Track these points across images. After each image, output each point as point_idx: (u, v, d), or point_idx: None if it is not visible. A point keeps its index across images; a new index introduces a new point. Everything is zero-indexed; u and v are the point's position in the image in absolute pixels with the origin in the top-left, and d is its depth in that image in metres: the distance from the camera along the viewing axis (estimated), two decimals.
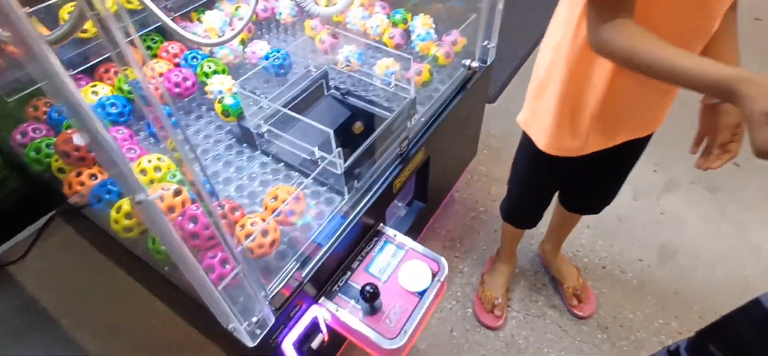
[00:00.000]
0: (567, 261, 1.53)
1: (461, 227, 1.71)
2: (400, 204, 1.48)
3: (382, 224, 1.10)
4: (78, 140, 0.90)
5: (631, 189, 1.79)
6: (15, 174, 1.47)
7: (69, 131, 0.92)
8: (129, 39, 0.49)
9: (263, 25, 1.46)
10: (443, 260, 1.01)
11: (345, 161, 0.96)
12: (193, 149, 0.56)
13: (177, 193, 0.80)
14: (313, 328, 0.95)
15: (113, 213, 0.85)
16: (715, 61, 0.61)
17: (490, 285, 1.47)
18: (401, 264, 1.01)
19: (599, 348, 1.38)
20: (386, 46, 1.33)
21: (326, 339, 1.00)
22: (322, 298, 0.96)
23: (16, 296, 1.47)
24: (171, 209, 0.80)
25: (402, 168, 1.10)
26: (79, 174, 0.91)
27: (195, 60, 1.20)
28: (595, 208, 1.30)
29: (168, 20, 0.64)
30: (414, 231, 1.43)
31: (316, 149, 0.97)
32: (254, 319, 0.77)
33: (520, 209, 1.32)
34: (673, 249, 1.62)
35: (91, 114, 0.43)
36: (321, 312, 0.96)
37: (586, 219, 1.71)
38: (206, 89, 1.15)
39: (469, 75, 1.33)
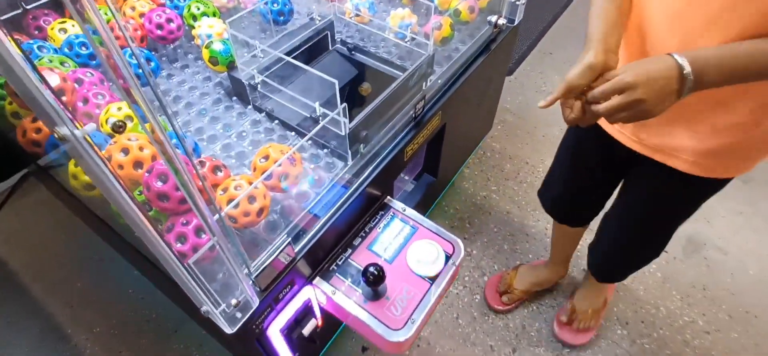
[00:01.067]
0: (597, 286, 1.26)
1: (471, 206, 1.58)
2: (407, 178, 1.34)
3: (389, 197, 0.96)
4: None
5: None
6: None
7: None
8: None
9: None
10: (459, 241, 0.88)
11: (351, 120, 0.82)
12: (161, 100, 0.42)
13: (144, 145, 0.65)
14: (306, 312, 0.82)
15: (71, 167, 0.71)
16: None
17: (520, 273, 1.33)
18: (410, 244, 0.87)
19: (618, 344, 1.26)
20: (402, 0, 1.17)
21: (320, 324, 0.87)
22: (318, 278, 0.83)
23: None
24: (138, 164, 0.66)
25: (415, 134, 0.96)
26: (35, 120, 0.77)
27: (181, 1, 1.05)
28: (616, 265, 1.11)
29: None
30: (421, 208, 1.30)
31: (317, 105, 0.82)
32: (234, 301, 0.64)
33: (552, 186, 1.12)
34: (700, 242, 1.49)
35: None
36: (315, 293, 0.83)
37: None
38: (193, 33, 1.00)
39: (494, 34, 1.17)
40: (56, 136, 0.34)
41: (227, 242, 0.57)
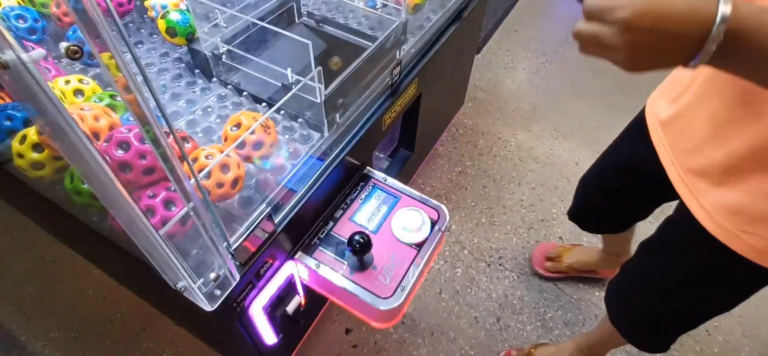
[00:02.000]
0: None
1: (447, 182, 1.57)
2: (381, 155, 1.31)
3: (369, 168, 0.92)
4: None
5: None
6: None
7: None
8: None
9: None
10: (444, 207, 0.86)
11: (326, 87, 0.78)
12: (137, 58, 0.37)
13: (99, 115, 0.59)
14: (289, 289, 0.77)
15: (15, 145, 0.63)
16: None
17: (575, 249, 1.30)
18: (394, 212, 0.84)
19: (597, 305, 1.29)
20: None
21: (303, 302, 0.83)
22: (299, 253, 0.78)
23: None
24: (94, 134, 0.59)
25: (392, 102, 0.93)
26: None
27: None
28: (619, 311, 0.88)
29: None
30: None
31: (289, 71, 0.77)
32: (212, 276, 0.59)
33: (580, 184, 1.03)
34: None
35: None
36: (297, 268, 0.79)
37: (579, 173, 1.61)
38: (146, 4, 0.92)
39: (465, 2, 1.16)
40: None
41: (204, 208, 0.52)
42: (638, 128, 0.79)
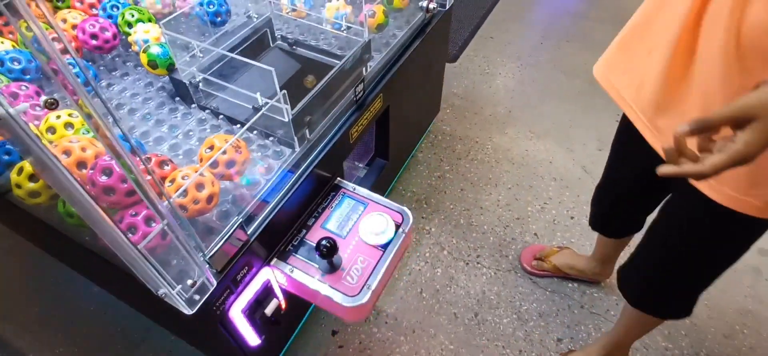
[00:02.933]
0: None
1: (427, 187, 1.64)
2: (360, 164, 1.39)
3: (339, 178, 1.00)
4: None
5: (597, 138, 1.78)
6: None
7: None
8: None
9: None
10: (407, 210, 0.94)
11: (293, 107, 0.86)
12: (99, 93, 0.45)
13: (86, 146, 0.67)
14: (266, 293, 0.85)
15: (14, 176, 0.71)
16: None
17: (562, 252, 1.37)
18: (362, 218, 0.92)
19: (570, 296, 1.35)
20: None
21: (283, 305, 0.91)
22: (275, 260, 0.86)
23: None
24: (81, 164, 0.67)
25: (359, 116, 1.01)
26: None
27: (115, 9, 1.05)
28: (638, 283, 0.93)
29: None
30: (377, 192, 1.35)
31: (258, 95, 0.86)
32: (190, 282, 0.67)
33: (595, 192, 1.08)
34: None
35: None
36: (274, 274, 0.86)
37: (553, 172, 1.68)
38: (129, 39, 1.01)
39: (428, 19, 1.24)
40: None
41: (177, 224, 0.59)
42: (625, 130, 0.85)
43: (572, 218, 1.55)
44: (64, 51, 0.72)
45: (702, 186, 0.65)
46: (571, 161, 1.72)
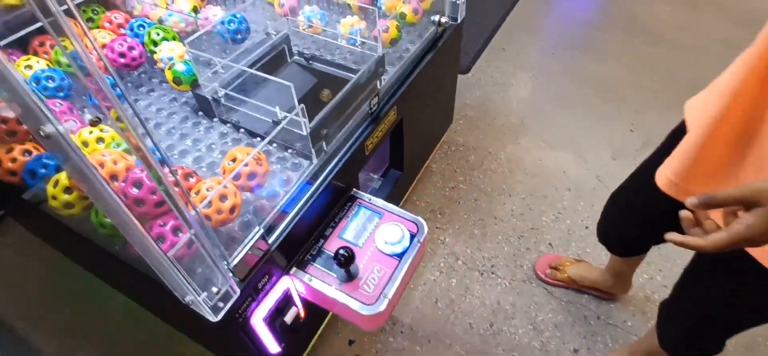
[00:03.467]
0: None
1: (441, 198, 1.66)
2: (375, 176, 1.42)
3: (355, 189, 1.03)
4: (5, 111, 0.80)
5: (610, 148, 1.78)
6: None
7: None
8: (63, 8, 0.41)
9: None
10: (422, 220, 0.95)
11: (310, 120, 0.89)
12: (135, 109, 0.48)
13: (117, 159, 0.71)
14: (286, 301, 0.87)
15: (50, 188, 0.75)
16: None
17: (577, 263, 1.37)
18: (377, 228, 0.94)
19: (586, 306, 1.35)
20: (350, 8, 1.25)
21: (302, 313, 0.93)
22: (294, 268, 0.89)
23: None
24: (114, 176, 0.71)
25: (374, 129, 1.04)
26: (9, 150, 0.81)
27: (142, 29, 1.11)
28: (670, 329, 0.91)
29: None
30: (392, 202, 1.37)
31: (277, 109, 0.89)
32: (215, 290, 0.69)
33: (609, 201, 1.05)
34: None
35: None
36: (293, 283, 0.89)
37: (567, 182, 1.69)
38: (155, 57, 1.05)
39: (440, 33, 1.27)
40: (42, 134, 0.40)
41: (203, 233, 0.62)
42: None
43: (587, 227, 1.54)
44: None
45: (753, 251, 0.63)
46: (585, 170, 1.72)
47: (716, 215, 0.54)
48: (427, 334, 1.30)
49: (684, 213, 0.54)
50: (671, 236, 0.54)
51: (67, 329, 1.27)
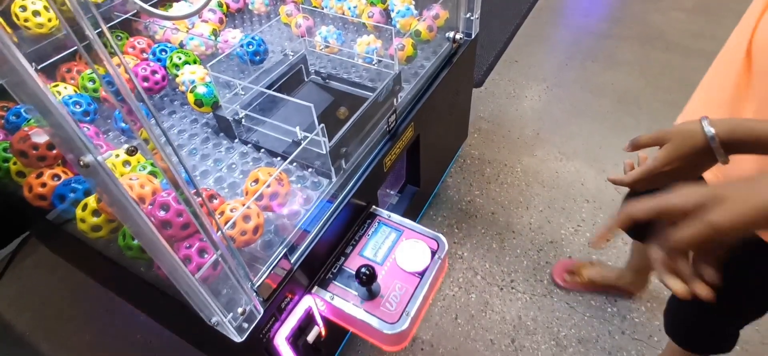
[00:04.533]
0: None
1: (458, 212, 1.65)
2: (392, 192, 1.42)
3: (374, 206, 1.03)
4: (37, 137, 0.82)
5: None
6: None
7: (26, 129, 0.85)
8: (98, 31, 0.42)
9: (236, 16, 1.39)
10: (442, 237, 0.95)
11: (330, 139, 0.90)
12: (166, 134, 0.49)
13: (144, 183, 0.72)
14: (308, 321, 0.87)
15: (79, 212, 0.77)
16: None
17: (594, 265, 1.36)
18: (398, 245, 0.94)
19: (610, 321, 1.32)
20: (366, 27, 1.27)
21: (323, 332, 0.92)
22: (316, 287, 0.89)
23: None
24: (141, 199, 0.72)
25: (391, 146, 1.04)
26: (39, 175, 0.84)
27: (164, 53, 1.13)
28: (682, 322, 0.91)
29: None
30: (409, 218, 1.37)
31: (297, 129, 0.90)
32: (240, 310, 0.70)
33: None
34: None
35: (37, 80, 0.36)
36: (315, 302, 0.89)
37: (585, 193, 1.67)
38: (177, 80, 1.08)
39: (455, 49, 1.28)
40: (81, 163, 0.41)
41: (229, 254, 0.63)
42: None
43: (607, 240, 1.51)
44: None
45: None
46: (603, 181, 1.70)
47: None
48: (447, 351, 1.29)
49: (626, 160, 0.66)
50: (610, 177, 0.66)
51: (92, 348, 1.29)
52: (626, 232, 1.10)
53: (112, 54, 0.41)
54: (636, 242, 1.20)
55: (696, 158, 0.54)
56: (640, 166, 0.60)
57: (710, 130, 0.52)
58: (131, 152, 0.44)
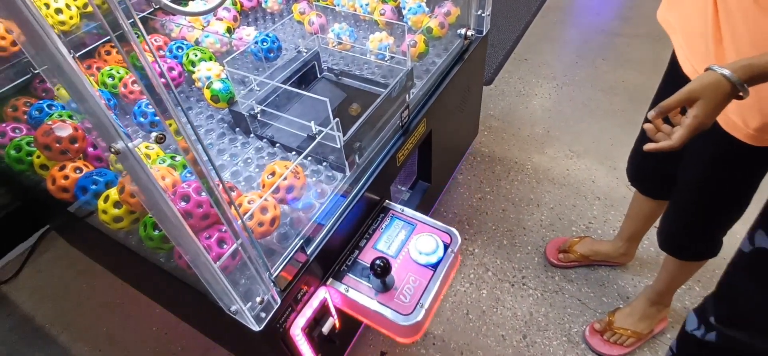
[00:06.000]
0: (647, 312, 1.24)
1: (468, 209, 1.66)
2: (403, 188, 1.43)
3: (387, 201, 1.04)
4: (60, 131, 0.84)
5: None
6: (2, 190, 1.41)
7: (49, 123, 0.87)
8: (130, 21, 0.45)
9: (250, 14, 1.41)
10: (455, 231, 0.96)
11: (344, 134, 0.91)
12: (192, 125, 0.51)
13: (165, 174, 0.74)
14: (323, 312, 0.88)
15: (101, 203, 0.79)
16: None
17: (584, 240, 1.40)
18: (411, 239, 0.95)
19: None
20: (378, 25, 1.28)
21: (337, 324, 0.94)
22: (331, 279, 0.90)
23: (11, 315, 1.40)
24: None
25: (404, 141, 1.05)
26: (62, 168, 0.86)
27: (180, 50, 1.16)
28: (676, 231, 1.03)
29: None
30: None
31: (312, 124, 0.92)
32: (259, 299, 0.71)
33: (635, 151, 1.17)
34: None
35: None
36: (330, 294, 0.90)
37: (596, 191, 1.66)
38: (194, 76, 1.10)
39: (466, 45, 1.28)
40: (113, 149, 0.43)
41: (249, 243, 0.64)
42: (671, 72, 0.95)
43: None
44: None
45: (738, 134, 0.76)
46: (614, 179, 1.69)
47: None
48: (459, 346, 1.29)
49: (647, 126, 0.70)
50: (647, 146, 0.69)
51: (110, 340, 1.31)
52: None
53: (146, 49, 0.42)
54: (631, 209, 1.28)
55: (724, 102, 0.62)
56: (682, 126, 0.64)
57: (733, 76, 0.60)
58: (160, 139, 0.45)
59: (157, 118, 0.93)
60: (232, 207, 0.60)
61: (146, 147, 0.88)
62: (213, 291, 0.66)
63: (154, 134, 0.48)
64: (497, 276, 1.45)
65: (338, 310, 0.93)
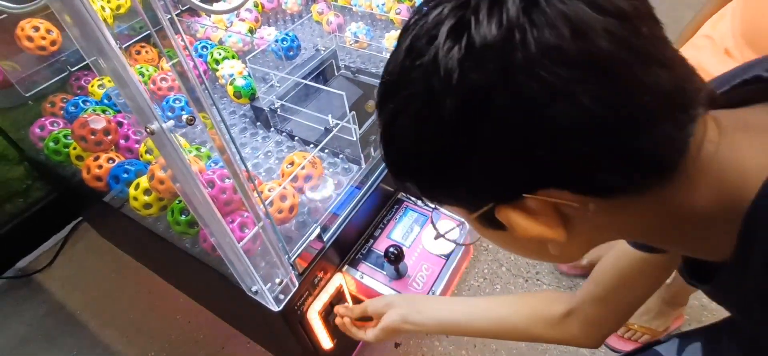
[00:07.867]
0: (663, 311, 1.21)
1: None
2: None
3: (401, 193, 1.07)
4: (94, 123, 0.90)
5: None
6: (39, 183, 1.50)
7: (85, 116, 0.93)
8: (168, 17, 0.49)
9: (270, 15, 1.46)
10: (467, 223, 0.98)
11: (360, 128, 0.94)
12: (222, 115, 0.55)
13: (191, 163, 0.79)
14: (338, 297, 0.92)
15: (131, 191, 0.84)
16: None
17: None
18: (424, 229, 0.98)
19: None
20: (394, 23, 1.32)
21: None
22: (346, 266, 0.93)
23: (45, 302, 1.48)
24: None
25: None
26: (96, 158, 0.92)
27: (205, 50, 1.21)
28: None
29: None
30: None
31: (330, 117, 0.95)
32: (277, 280, 0.75)
33: None
34: None
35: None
36: (345, 280, 0.93)
37: None
38: (217, 74, 1.15)
39: None
40: (148, 130, 0.47)
41: (270, 228, 0.68)
42: None
43: None
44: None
45: None
46: None
47: None
48: (472, 339, 1.31)
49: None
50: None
51: (136, 328, 1.38)
52: None
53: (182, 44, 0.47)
54: None
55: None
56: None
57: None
58: (190, 121, 0.49)
59: (182, 112, 0.98)
60: (255, 192, 0.64)
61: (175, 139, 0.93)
62: (236, 271, 0.70)
63: (184, 117, 0.52)
64: (511, 272, 1.46)
65: (353, 296, 0.97)
